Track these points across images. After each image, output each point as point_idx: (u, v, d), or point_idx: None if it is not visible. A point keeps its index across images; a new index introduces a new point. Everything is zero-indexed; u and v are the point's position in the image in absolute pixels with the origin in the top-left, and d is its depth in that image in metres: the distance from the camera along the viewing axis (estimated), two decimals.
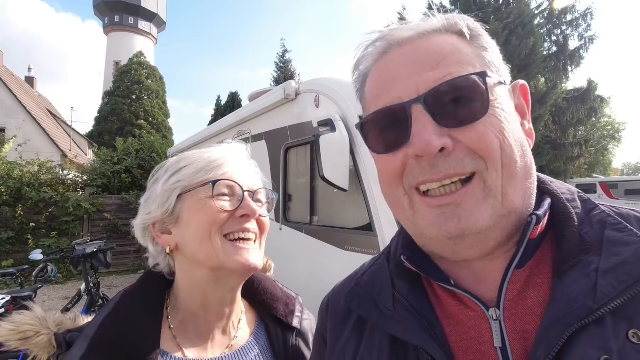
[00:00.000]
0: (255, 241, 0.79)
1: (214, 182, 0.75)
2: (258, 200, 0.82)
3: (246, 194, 0.78)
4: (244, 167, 0.83)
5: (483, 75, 0.46)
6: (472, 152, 0.46)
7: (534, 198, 0.51)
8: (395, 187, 0.52)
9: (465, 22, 0.52)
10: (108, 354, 0.66)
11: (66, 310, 4.48)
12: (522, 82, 0.55)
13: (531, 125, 0.55)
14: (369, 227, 2.58)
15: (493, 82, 0.48)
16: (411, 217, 0.51)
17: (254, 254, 0.78)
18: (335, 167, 2.51)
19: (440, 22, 0.52)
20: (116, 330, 0.69)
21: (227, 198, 0.77)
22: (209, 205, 0.74)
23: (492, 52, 0.52)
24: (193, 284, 0.78)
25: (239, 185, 0.78)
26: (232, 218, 0.76)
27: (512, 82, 0.55)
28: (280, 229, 3.65)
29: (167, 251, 0.79)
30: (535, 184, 0.52)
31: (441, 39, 0.51)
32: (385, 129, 0.51)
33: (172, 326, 0.77)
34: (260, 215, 0.80)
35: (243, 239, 0.77)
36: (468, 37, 0.51)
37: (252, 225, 0.79)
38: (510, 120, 0.48)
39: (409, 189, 0.50)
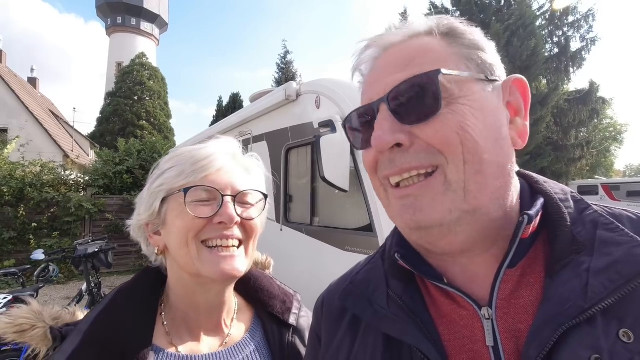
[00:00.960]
0: (239, 247, 0.77)
1: (186, 190, 0.73)
2: (245, 203, 0.79)
3: (227, 198, 0.75)
4: (230, 166, 0.79)
5: (436, 73, 0.47)
6: (431, 147, 0.48)
7: (511, 198, 0.51)
8: (374, 179, 0.56)
9: (444, 22, 0.53)
10: (100, 348, 0.67)
11: None
12: (516, 76, 0.54)
13: (526, 123, 0.54)
14: (369, 228, 2.58)
15: (458, 79, 0.48)
16: (387, 207, 0.54)
17: (236, 261, 0.75)
18: (335, 168, 2.51)
19: (424, 24, 0.54)
20: (109, 325, 0.70)
21: (206, 203, 0.74)
22: (185, 212, 0.73)
23: (479, 49, 0.52)
24: (181, 285, 0.79)
25: (217, 190, 0.74)
26: (209, 224, 0.74)
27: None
28: (281, 230, 3.66)
29: (156, 251, 0.80)
30: (512, 183, 0.51)
31: (420, 40, 0.52)
32: (360, 126, 0.56)
33: (165, 322, 0.78)
34: (245, 219, 0.77)
35: (222, 247, 0.75)
36: (445, 36, 0.52)
37: (232, 231, 0.75)
38: (479, 117, 0.48)
39: (382, 179, 0.53)
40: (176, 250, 0.75)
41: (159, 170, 0.79)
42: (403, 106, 0.49)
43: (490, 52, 0.54)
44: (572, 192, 0.56)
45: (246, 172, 0.83)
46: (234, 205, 0.75)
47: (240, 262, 0.76)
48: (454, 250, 0.51)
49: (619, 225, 0.48)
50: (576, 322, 0.42)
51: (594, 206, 0.52)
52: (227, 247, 0.75)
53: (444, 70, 0.47)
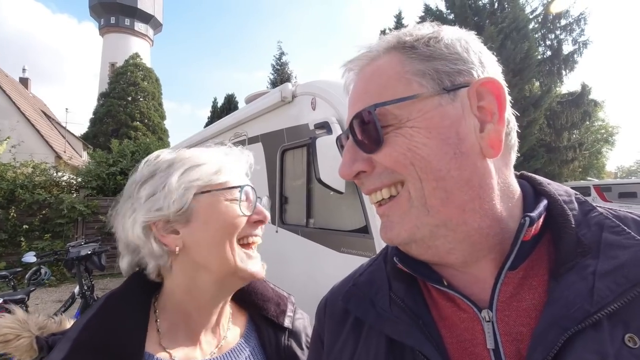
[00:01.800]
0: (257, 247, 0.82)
1: (242, 187, 0.77)
2: (263, 205, 0.85)
3: (257, 199, 0.81)
4: (247, 172, 0.86)
5: (372, 108, 0.50)
6: (388, 169, 0.51)
7: (500, 205, 0.50)
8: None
9: (400, 37, 0.53)
10: (90, 356, 0.64)
11: (59, 313, 4.43)
12: (486, 78, 0.49)
13: (499, 128, 0.49)
14: (365, 230, 2.58)
15: (399, 105, 0.48)
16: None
17: (260, 263, 0.80)
18: (331, 170, 2.51)
19: (384, 43, 0.54)
20: (100, 332, 0.67)
21: (244, 202, 0.78)
22: (232, 209, 0.75)
23: (435, 59, 0.50)
24: (194, 285, 0.76)
25: (255, 190, 0.81)
26: (248, 222, 0.78)
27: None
28: (277, 231, 3.64)
29: (176, 252, 0.74)
30: (495, 192, 0.49)
31: (379, 63, 0.53)
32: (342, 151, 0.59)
33: (159, 329, 0.75)
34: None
35: (249, 244, 0.79)
36: (402, 53, 0.51)
37: (259, 230, 0.81)
38: (430, 135, 0.47)
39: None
40: (209, 250, 0.73)
41: (182, 165, 0.75)
42: (359, 137, 0.52)
43: (458, 56, 0.50)
44: (576, 194, 0.55)
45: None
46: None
47: (260, 265, 0.81)
48: (443, 261, 0.52)
49: (625, 227, 0.48)
50: (582, 326, 0.42)
51: (598, 208, 0.52)
52: (251, 245, 0.79)
53: (379, 103, 0.49)
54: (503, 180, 0.51)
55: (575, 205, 0.53)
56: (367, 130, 0.50)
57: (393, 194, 0.51)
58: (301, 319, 0.92)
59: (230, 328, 0.85)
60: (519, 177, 0.58)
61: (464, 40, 0.52)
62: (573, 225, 0.49)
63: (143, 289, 0.78)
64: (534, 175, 0.59)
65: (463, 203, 0.48)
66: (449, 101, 0.48)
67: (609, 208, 0.53)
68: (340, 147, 0.60)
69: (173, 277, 0.77)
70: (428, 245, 0.50)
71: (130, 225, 0.74)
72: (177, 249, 0.74)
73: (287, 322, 0.88)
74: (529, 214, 0.48)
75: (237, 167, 0.83)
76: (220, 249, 0.73)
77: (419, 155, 0.48)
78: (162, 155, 0.80)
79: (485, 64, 0.52)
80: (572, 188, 0.57)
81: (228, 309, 0.86)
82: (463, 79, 0.49)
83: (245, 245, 0.78)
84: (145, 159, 0.80)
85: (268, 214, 0.82)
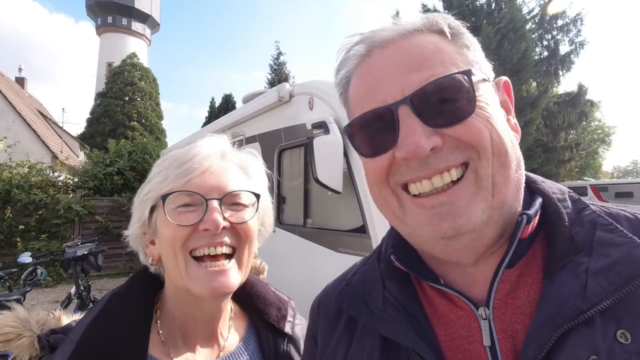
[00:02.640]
0: (231, 257, 0.72)
1: (165, 197, 0.68)
2: (236, 205, 0.73)
3: (213, 202, 0.68)
4: (217, 167, 0.73)
5: (468, 73, 0.47)
6: (462, 143, 0.46)
7: (522, 193, 0.51)
8: (382, 187, 0.52)
9: (446, 20, 0.52)
10: (94, 359, 0.64)
11: None
12: (504, 78, 0.56)
13: (516, 121, 0.56)
14: (362, 229, 2.58)
15: (477, 79, 0.48)
16: (401, 217, 0.51)
17: (227, 275, 0.69)
18: (328, 169, 2.51)
19: (420, 21, 0.52)
20: (103, 335, 0.66)
21: (191, 209, 0.69)
22: (168, 221, 0.68)
23: (474, 49, 0.53)
24: (178, 296, 0.75)
25: (199, 194, 0.69)
26: (195, 232, 0.68)
27: (495, 78, 0.56)
28: (274, 231, 3.63)
29: (150, 261, 0.76)
30: (524, 177, 0.52)
31: (422, 38, 0.51)
32: (373, 132, 0.50)
33: (160, 331, 0.75)
34: (235, 223, 0.71)
35: (211, 256, 0.69)
36: (449, 35, 0.51)
37: (221, 238, 0.69)
38: (495, 115, 0.49)
39: (395, 186, 0.50)
40: (166, 261, 0.72)
41: (149, 177, 0.75)
42: (431, 108, 0.46)
43: (480, 53, 0.54)
44: (569, 192, 0.56)
45: (240, 170, 0.77)
46: (221, 209, 0.69)
47: (233, 276, 0.71)
48: (466, 258, 0.50)
49: (618, 225, 0.48)
50: (574, 323, 0.42)
51: (592, 206, 0.52)
52: (217, 258, 0.70)
53: (472, 70, 0.48)
54: None
55: (569, 203, 0.53)
56: (451, 100, 0.46)
57: (458, 177, 0.46)
58: (300, 325, 0.91)
59: (230, 332, 0.83)
60: None
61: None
62: (567, 224, 0.50)
63: (146, 288, 0.78)
64: (528, 172, 0.59)
65: (515, 182, 0.49)
66: (491, 88, 0.52)
67: (601, 206, 0.54)
68: (365, 131, 0.51)
69: (166, 283, 0.78)
70: (480, 234, 0.47)
71: (129, 237, 0.79)
72: (151, 259, 0.76)
73: (287, 328, 0.86)
74: (526, 211, 0.49)
75: (203, 166, 0.71)
76: (171, 262, 0.70)
77: (496, 128, 0.47)
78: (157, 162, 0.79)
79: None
80: (569, 188, 0.58)
81: (228, 313, 0.84)
82: (488, 73, 0.53)
83: (204, 257, 0.69)
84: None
85: (219, 220, 0.68)
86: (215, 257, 0.70)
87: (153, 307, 0.76)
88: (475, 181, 0.46)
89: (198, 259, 0.69)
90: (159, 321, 0.76)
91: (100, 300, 0.74)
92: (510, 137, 0.50)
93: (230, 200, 0.72)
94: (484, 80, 0.51)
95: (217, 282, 0.68)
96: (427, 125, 0.46)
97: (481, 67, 0.52)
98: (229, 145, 0.80)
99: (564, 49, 15.43)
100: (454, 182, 0.47)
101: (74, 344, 0.64)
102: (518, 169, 0.50)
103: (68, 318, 0.78)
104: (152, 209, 0.73)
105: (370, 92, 0.50)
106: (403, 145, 0.46)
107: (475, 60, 0.52)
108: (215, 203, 0.69)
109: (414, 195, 0.49)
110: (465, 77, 0.46)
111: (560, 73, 15.41)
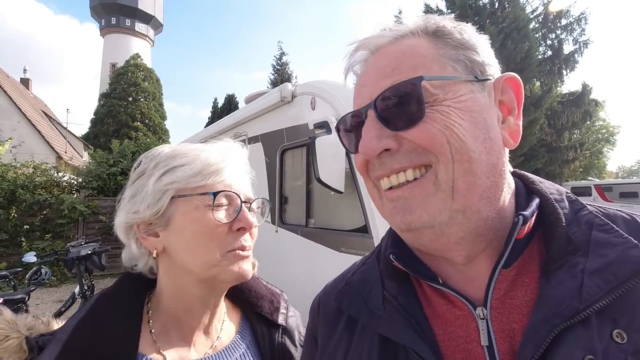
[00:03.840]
0: (250, 250, 0.78)
1: (215, 194, 0.71)
2: (252, 209, 0.80)
3: (243, 205, 0.75)
4: (241, 172, 0.79)
5: (418, 80, 0.48)
6: (419, 147, 0.48)
7: (505, 197, 0.51)
8: (367, 180, 0.56)
9: (432, 22, 0.53)
10: (81, 358, 0.63)
11: (59, 313, 4.44)
12: (509, 74, 0.54)
13: (519, 122, 0.54)
14: (364, 229, 2.58)
15: (442, 82, 0.48)
16: (381, 208, 0.55)
17: (248, 263, 0.76)
18: (330, 169, 2.51)
19: (408, 26, 0.54)
20: (91, 334, 0.65)
21: (224, 208, 0.73)
22: (208, 217, 0.70)
23: (466, 48, 0.52)
24: (179, 289, 0.75)
25: (238, 196, 0.74)
26: (230, 232, 0.73)
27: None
28: (276, 231, 3.64)
29: (154, 255, 0.75)
30: (505, 182, 0.51)
31: (407, 43, 0.52)
32: (352, 130, 0.56)
33: (152, 330, 0.74)
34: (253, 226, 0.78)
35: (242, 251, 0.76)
36: (433, 37, 0.52)
37: (248, 239, 0.77)
38: (465, 117, 0.48)
39: (375, 180, 0.54)
40: (188, 256, 0.72)
41: (163, 166, 0.73)
42: (389, 112, 0.49)
43: (482, 51, 0.53)
44: (567, 193, 0.56)
45: (249, 177, 0.82)
46: (248, 212, 0.77)
47: (250, 265, 0.78)
48: (448, 254, 0.51)
49: (614, 226, 0.48)
50: (571, 323, 0.42)
51: (589, 207, 0.53)
52: (245, 250, 0.76)
53: (426, 77, 0.48)
54: (507, 174, 0.53)
55: (566, 204, 0.53)
56: (404, 104, 0.48)
57: (417, 177, 0.49)
58: (294, 317, 0.92)
59: (225, 327, 0.84)
60: (512, 175, 0.59)
61: (485, 39, 0.55)
62: (564, 224, 0.50)
63: (135, 289, 0.77)
64: (526, 173, 0.59)
65: (484, 189, 0.48)
66: (479, 89, 0.51)
67: (599, 206, 0.54)
68: (346, 129, 0.57)
69: (160, 278, 0.78)
70: (442, 232, 0.48)
71: (116, 224, 0.77)
72: (155, 252, 0.74)
73: (280, 319, 0.88)
74: (522, 212, 0.49)
75: (230, 168, 0.76)
76: (199, 256, 0.71)
77: (456, 134, 0.47)
78: (156, 152, 0.78)
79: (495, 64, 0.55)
80: (574, 188, 0.58)
81: (222, 308, 0.85)
82: (489, 71, 0.52)
83: (235, 250, 0.74)
84: (144, 154, 0.79)
85: (252, 221, 0.75)
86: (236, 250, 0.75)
87: (143, 306, 0.76)
88: (434, 183, 0.48)
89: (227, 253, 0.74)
90: (150, 320, 0.75)
91: (89, 301, 0.73)
92: (489, 141, 0.49)
93: (250, 206, 0.79)
94: (468, 81, 0.50)
95: (245, 267, 0.75)
96: (388, 128, 0.50)
97: (473, 67, 0.51)
98: (245, 152, 0.85)
99: (567, 48, 15.35)
100: (416, 179, 0.49)
101: (61, 344, 0.63)
102: (493, 175, 0.49)
103: (57, 324, 0.77)
104: (171, 200, 0.72)
105: (356, 96, 0.56)
106: (360, 145, 0.51)
107: (463, 60, 0.51)
108: (245, 205, 0.76)
109: (386, 190, 0.52)
110: (415, 84, 0.48)
111: (564, 72, 15.32)
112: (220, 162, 0.74)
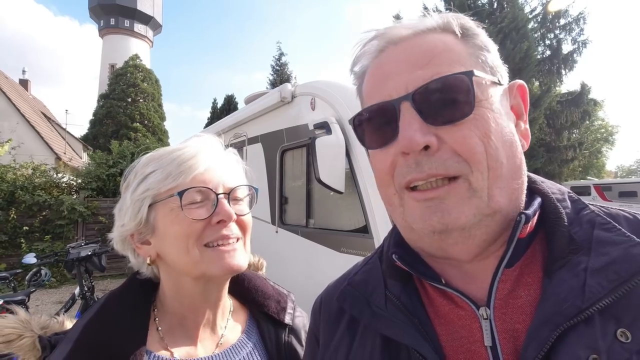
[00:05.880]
0: (237, 241, 0.77)
1: (181, 193, 0.70)
2: (236, 198, 0.78)
3: (220, 196, 0.74)
4: (217, 163, 0.77)
5: (469, 74, 0.47)
6: (456, 155, 0.47)
7: (523, 197, 0.52)
8: (387, 186, 0.53)
9: (460, 21, 0.53)
10: (92, 356, 0.65)
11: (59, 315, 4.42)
12: (519, 82, 0.55)
13: (527, 126, 0.56)
14: (364, 230, 2.58)
15: (483, 81, 0.48)
16: (402, 214, 0.52)
17: (238, 255, 0.75)
18: (331, 170, 2.51)
19: (435, 21, 0.53)
20: (101, 332, 0.68)
21: (200, 204, 0.73)
22: (181, 217, 0.71)
23: (488, 51, 0.52)
24: (180, 290, 0.77)
25: (211, 189, 0.73)
26: (209, 226, 0.73)
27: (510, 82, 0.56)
28: (277, 232, 3.64)
29: (148, 262, 0.77)
30: (525, 183, 0.52)
31: (435, 37, 0.51)
32: (376, 125, 0.52)
33: (159, 328, 0.77)
34: (239, 216, 0.77)
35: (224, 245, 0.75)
36: (460, 35, 0.52)
37: (231, 230, 0.75)
38: (499, 121, 0.48)
39: (399, 188, 0.51)
40: (176, 257, 0.73)
41: (139, 176, 0.75)
42: (431, 106, 0.47)
43: (495, 55, 0.53)
44: (569, 192, 0.56)
45: (230, 167, 0.81)
46: (229, 203, 0.75)
47: (242, 256, 0.76)
48: (461, 254, 0.51)
49: (616, 225, 0.48)
50: (574, 322, 0.42)
51: (590, 206, 0.53)
52: (229, 243, 0.75)
53: (476, 72, 0.47)
54: (526, 175, 0.54)
55: (568, 203, 0.53)
56: (451, 99, 0.46)
57: (444, 179, 0.47)
58: (300, 317, 0.94)
59: (231, 325, 0.85)
60: None
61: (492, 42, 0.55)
62: (566, 223, 0.50)
63: (143, 288, 0.79)
64: (528, 173, 0.59)
65: (512, 192, 0.49)
66: (501, 92, 0.51)
67: (601, 206, 0.54)
68: (369, 124, 0.53)
69: (162, 281, 0.80)
70: (470, 234, 0.47)
71: (114, 240, 0.80)
72: (149, 259, 0.76)
73: (287, 319, 0.89)
74: (524, 211, 0.49)
75: (203, 163, 0.74)
76: (183, 257, 0.72)
77: (493, 141, 0.46)
78: (136, 162, 0.78)
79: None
80: (573, 187, 0.58)
81: (227, 305, 0.87)
82: (502, 76, 0.53)
83: (217, 246, 0.73)
84: (128, 168, 0.79)
85: (231, 212, 0.73)
86: (227, 244, 0.75)
87: (150, 305, 0.78)
88: (467, 189, 0.47)
89: (211, 247, 0.74)
90: (157, 318, 0.77)
91: (98, 300, 0.76)
92: (513, 145, 0.50)
93: (232, 195, 0.77)
94: (494, 83, 0.50)
95: (232, 259, 0.74)
96: (426, 122, 0.47)
97: (493, 70, 0.51)
98: (219, 144, 0.84)
99: (566, 48, 15.36)
100: (449, 181, 0.47)
101: (72, 342, 0.66)
102: (518, 177, 0.50)
103: (71, 322, 0.79)
104: (150, 208, 0.74)
105: (378, 87, 0.52)
106: (400, 138, 0.48)
107: (486, 61, 0.51)
108: (223, 197, 0.74)
109: (412, 189, 0.50)
110: (467, 78, 0.46)
111: (563, 72, 15.33)
112: (191, 158, 0.74)
